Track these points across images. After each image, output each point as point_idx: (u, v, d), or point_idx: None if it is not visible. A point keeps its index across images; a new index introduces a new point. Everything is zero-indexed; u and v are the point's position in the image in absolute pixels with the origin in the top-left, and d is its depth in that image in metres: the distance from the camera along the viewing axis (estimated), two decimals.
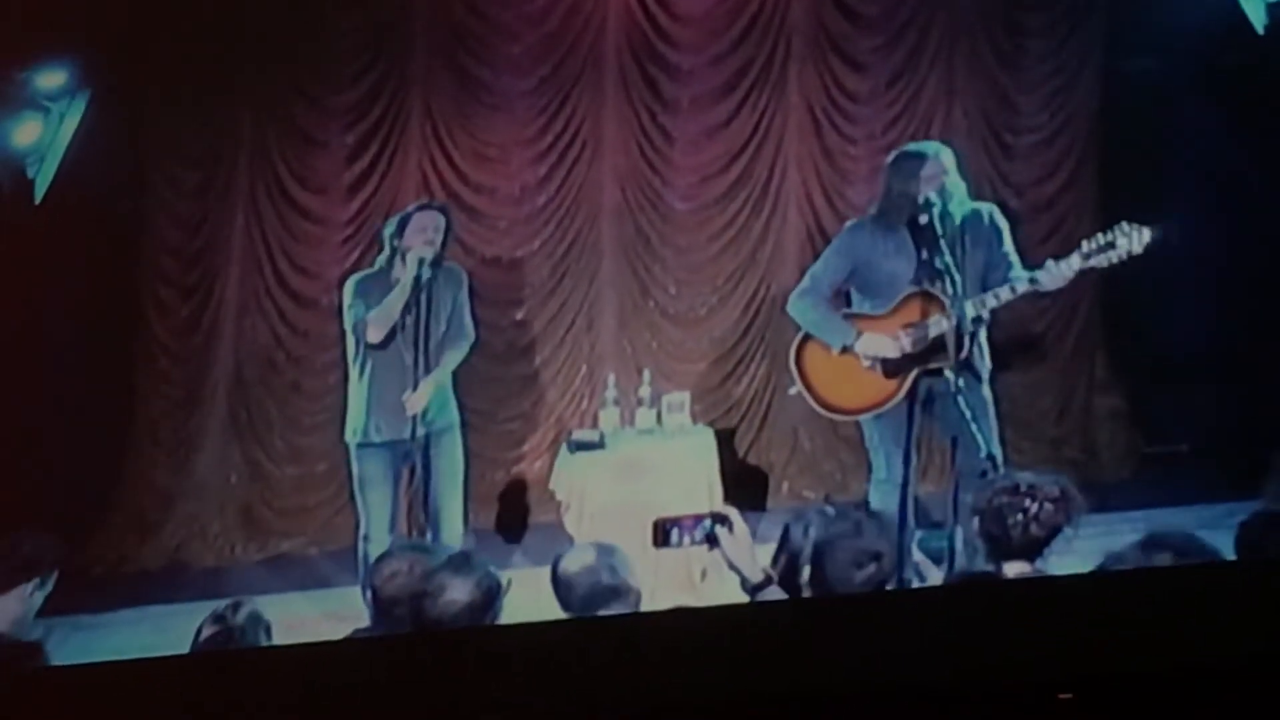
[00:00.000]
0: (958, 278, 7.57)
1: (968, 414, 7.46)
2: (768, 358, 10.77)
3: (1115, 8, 10.48)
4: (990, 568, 5.36)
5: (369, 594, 6.01)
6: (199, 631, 5.47)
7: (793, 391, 8.54)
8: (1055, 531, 5.32)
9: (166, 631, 7.88)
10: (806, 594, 5.33)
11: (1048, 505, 5.33)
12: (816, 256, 9.14)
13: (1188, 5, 9.57)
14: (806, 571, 5.34)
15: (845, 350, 8.04)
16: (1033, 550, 5.29)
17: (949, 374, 7.62)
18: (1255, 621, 2.83)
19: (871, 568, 5.16)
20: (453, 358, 8.55)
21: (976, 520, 5.46)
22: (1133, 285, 9.21)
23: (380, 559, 6.13)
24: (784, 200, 10.82)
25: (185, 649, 5.46)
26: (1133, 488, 10.21)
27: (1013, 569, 5.31)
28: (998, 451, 7.75)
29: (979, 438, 7.47)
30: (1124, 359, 10.77)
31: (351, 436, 8.54)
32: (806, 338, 8.28)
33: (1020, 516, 5.30)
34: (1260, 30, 9.62)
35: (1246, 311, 9.97)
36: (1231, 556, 5.02)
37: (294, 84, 10.77)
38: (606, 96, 10.87)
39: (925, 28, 10.70)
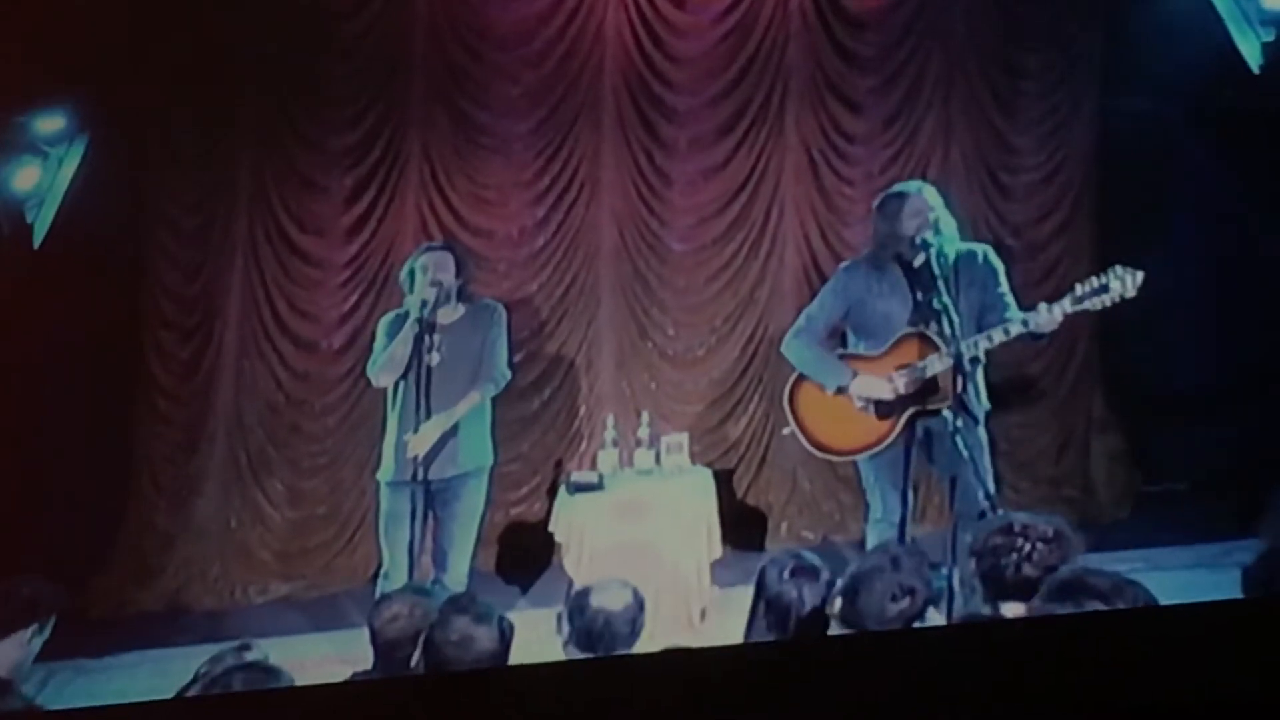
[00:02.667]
0: (955, 318, 7.57)
1: (965, 454, 7.45)
2: (766, 398, 10.78)
3: (1110, 48, 10.53)
4: (987, 608, 5.35)
5: (369, 636, 5.99)
6: (198, 674, 5.46)
7: (786, 432, 8.52)
8: (1050, 571, 5.29)
9: (167, 675, 7.86)
10: (836, 628, 5.33)
11: (1041, 545, 5.30)
12: (814, 297, 9.18)
13: (1183, 45, 9.58)
14: (838, 603, 5.35)
15: (839, 391, 8.04)
16: (1029, 590, 5.26)
17: (947, 413, 7.62)
18: (1265, 659, 2.82)
19: (905, 602, 5.15)
20: (474, 398, 8.39)
21: (973, 561, 5.45)
22: (1129, 324, 9.23)
23: (380, 602, 6.12)
24: (781, 241, 10.85)
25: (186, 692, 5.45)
26: (1131, 526, 10.24)
27: (1010, 609, 5.29)
28: (992, 490, 7.75)
29: (977, 478, 7.47)
30: (1122, 398, 10.78)
31: (382, 474, 8.52)
32: (800, 378, 8.27)
33: (1014, 556, 5.27)
34: (1255, 69, 9.65)
35: (1244, 350, 9.98)
36: (1237, 595, 5.01)
37: (292, 128, 10.79)
38: (604, 138, 10.91)
39: (922, 69, 10.76)
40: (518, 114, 10.90)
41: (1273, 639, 2.94)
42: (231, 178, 10.80)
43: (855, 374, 7.98)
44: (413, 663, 5.49)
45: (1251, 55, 9.66)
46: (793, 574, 5.62)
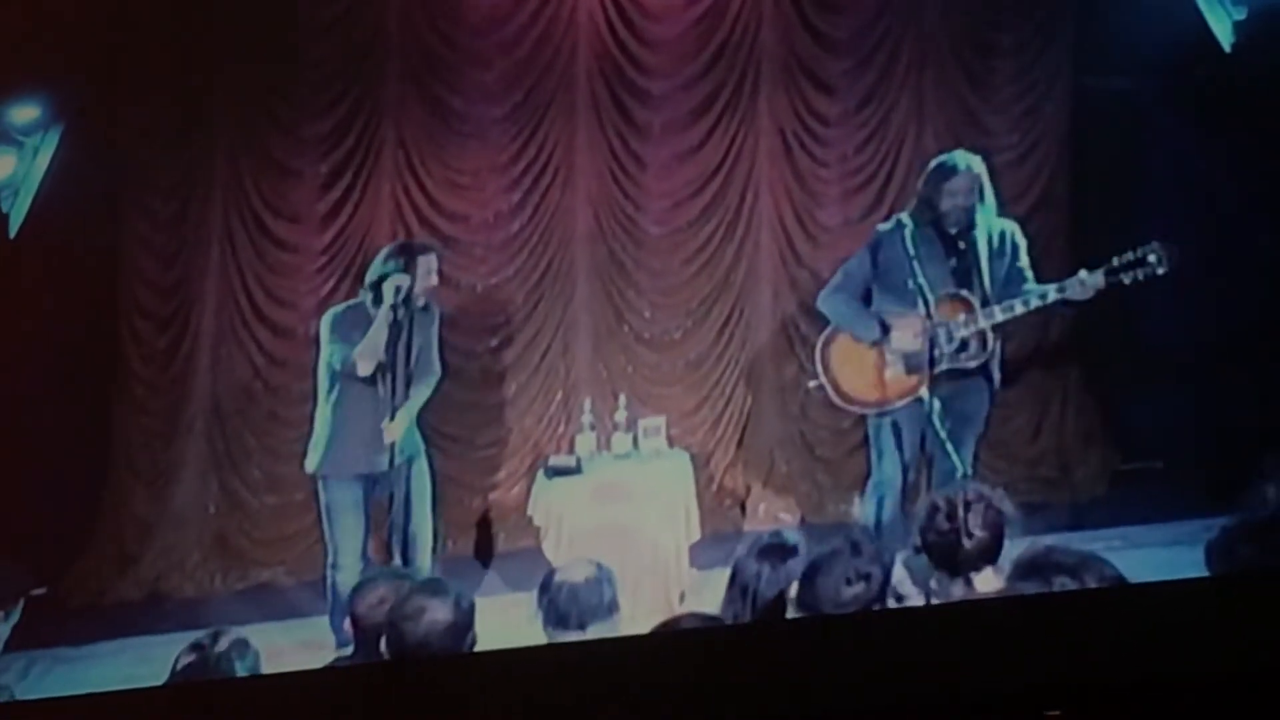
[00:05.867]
0: (987, 285, 7.79)
1: (942, 434, 7.58)
2: (743, 380, 10.82)
3: (1083, 27, 10.56)
4: (959, 586, 5.36)
5: (347, 621, 6.01)
6: (176, 661, 5.47)
7: (813, 385, 8.74)
8: (997, 529, 5.34)
9: (147, 662, 7.89)
10: (792, 612, 5.36)
11: (972, 508, 5.34)
12: (789, 280, 9.27)
13: (1155, 24, 9.61)
14: (795, 587, 5.37)
15: (875, 344, 8.25)
16: (989, 554, 5.31)
17: (924, 393, 7.75)
18: (1242, 634, 2.86)
19: (860, 586, 5.18)
20: (421, 393, 8.60)
21: (924, 558, 5.48)
22: (1104, 303, 9.26)
23: (361, 586, 6.13)
24: (756, 223, 10.86)
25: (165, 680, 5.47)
26: (1107, 505, 10.28)
27: (981, 580, 5.33)
28: (965, 465, 7.89)
29: (954, 457, 7.58)
30: (1098, 377, 10.81)
31: (316, 467, 8.57)
32: (835, 332, 8.51)
33: (950, 531, 5.32)
34: (1227, 48, 9.68)
35: (1220, 328, 10.01)
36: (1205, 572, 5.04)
37: (267, 114, 10.77)
38: (578, 122, 10.90)
39: (895, 50, 10.77)
40: (492, 99, 10.88)
41: (1243, 614, 2.97)
42: (207, 164, 10.78)
43: (889, 328, 8.15)
44: (381, 646, 5.52)
45: (1223, 34, 9.69)
46: (760, 553, 5.65)
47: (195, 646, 5.48)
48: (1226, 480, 5.87)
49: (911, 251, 8.14)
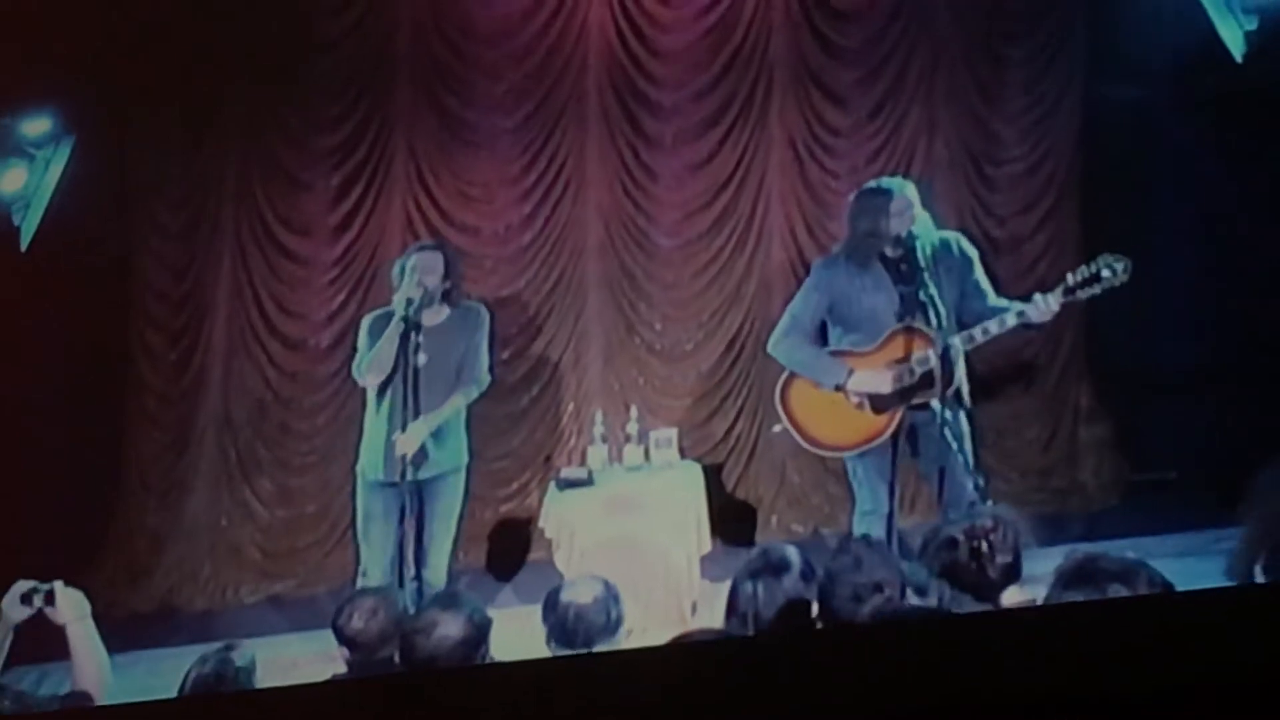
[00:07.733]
0: (942, 310, 7.61)
1: (954, 445, 7.50)
2: (754, 392, 10.77)
3: (1094, 37, 10.52)
4: (988, 605, 5.32)
5: (340, 636, 5.98)
6: (187, 675, 5.46)
7: (776, 429, 8.55)
8: (1017, 552, 5.29)
9: (159, 675, 7.88)
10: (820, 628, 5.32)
11: (990, 538, 5.29)
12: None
13: (1166, 34, 9.60)
14: (815, 608, 5.33)
15: (837, 389, 8.06)
16: (1013, 573, 5.28)
17: (935, 405, 7.66)
18: (1260, 643, 2.83)
19: (877, 598, 5.13)
20: (458, 401, 8.52)
21: (945, 584, 5.41)
22: (1117, 313, 9.24)
23: (353, 600, 6.09)
24: (767, 234, 10.83)
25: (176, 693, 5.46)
26: (1120, 516, 10.22)
27: (1009, 596, 5.30)
28: (980, 480, 7.79)
29: (967, 468, 7.51)
30: (1110, 387, 10.76)
31: (361, 471, 8.61)
32: (791, 376, 8.31)
33: (973, 562, 5.26)
34: (1238, 58, 9.66)
35: (1232, 338, 9.99)
36: (1225, 583, 5.01)
37: (278, 126, 10.82)
38: (589, 134, 10.90)
39: (906, 60, 10.73)
40: (503, 110, 10.90)
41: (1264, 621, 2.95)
42: (218, 177, 10.83)
43: (852, 371, 8.00)
44: (395, 658, 5.52)
45: (1234, 43, 9.67)
46: (752, 573, 5.57)
47: (205, 660, 5.48)
48: (1240, 491, 5.83)
49: (859, 284, 8.07)
